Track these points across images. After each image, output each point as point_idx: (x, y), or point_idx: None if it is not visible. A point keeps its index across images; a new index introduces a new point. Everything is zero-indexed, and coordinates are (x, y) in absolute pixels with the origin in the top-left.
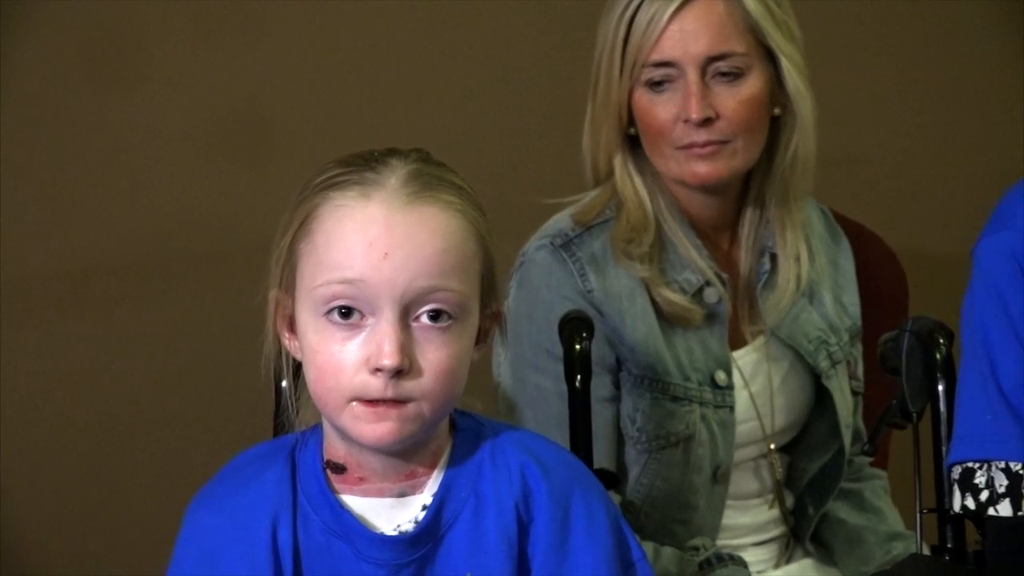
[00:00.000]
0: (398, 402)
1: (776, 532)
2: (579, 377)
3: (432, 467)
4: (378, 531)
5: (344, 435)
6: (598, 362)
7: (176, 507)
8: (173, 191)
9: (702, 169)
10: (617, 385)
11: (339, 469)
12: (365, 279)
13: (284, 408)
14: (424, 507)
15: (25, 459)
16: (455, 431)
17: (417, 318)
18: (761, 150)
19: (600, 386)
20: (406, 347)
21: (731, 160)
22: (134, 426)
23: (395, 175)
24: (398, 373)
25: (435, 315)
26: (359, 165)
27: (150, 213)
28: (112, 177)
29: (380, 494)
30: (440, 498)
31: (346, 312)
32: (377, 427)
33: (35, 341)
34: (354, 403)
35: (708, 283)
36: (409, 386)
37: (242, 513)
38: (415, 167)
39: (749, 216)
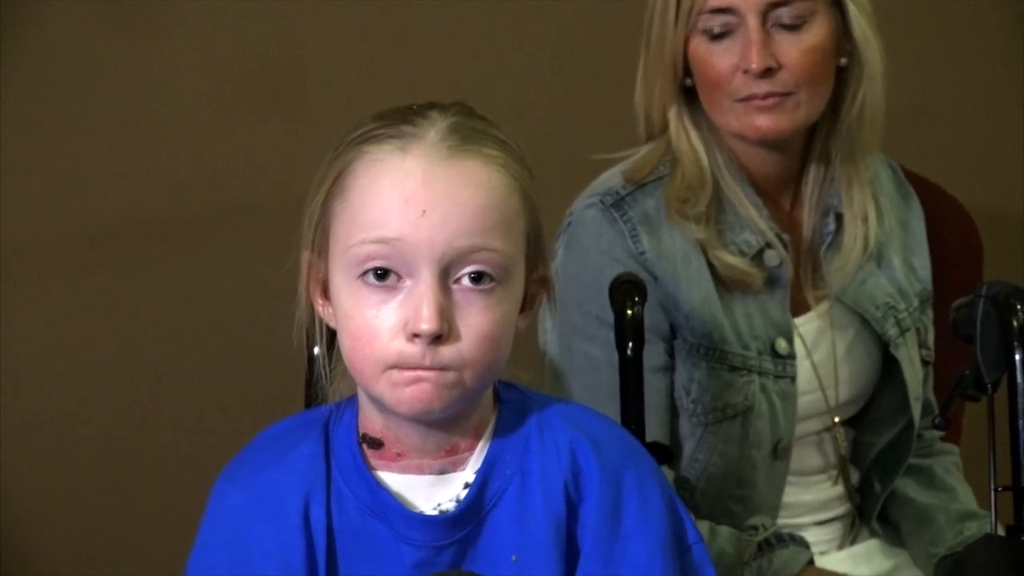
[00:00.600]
0: (437, 369)
1: (840, 511)
2: (631, 345)
3: (475, 442)
4: (417, 510)
5: (381, 406)
6: (651, 329)
7: (201, 489)
8: (197, 145)
9: (763, 122)
10: (671, 354)
11: (376, 444)
12: (402, 238)
13: (317, 379)
14: (466, 485)
15: (29, 441)
16: (499, 404)
17: (457, 280)
18: (826, 102)
19: (653, 354)
20: (445, 311)
21: (794, 113)
22: (153, 400)
23: (434, 128)
24: (437, 339)
25: (477, 277)
26: (397, 119)
27: (172, 169)
28: (131, 131)
29: (419, 471)
30: (483, 475)
31: (382, 274)
32: (415, 392)
33: (43, 310)
34: (391, 370)
35: (768, 245)
36: (448, 353)
37: (272, 490)
38: (456, 120)
39: (813, 173)
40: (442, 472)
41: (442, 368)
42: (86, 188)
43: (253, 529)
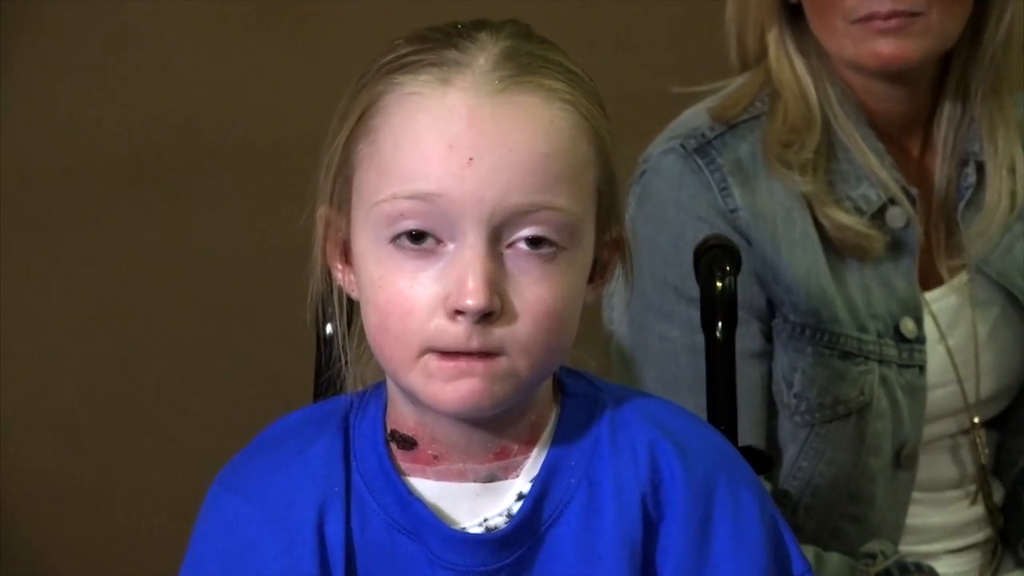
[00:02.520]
0: (485, 355)
1: (980, 536)
2: (720, 325)
3: (531, 443)
4: (458, 527)
5: (414, 398)
6: (743, 305)
7: (192, 478)
8: (198, 74)
9: (886, 49)
10: (769, 336)
11: (407, 443)
12: (443, 192)
13: (334, 362)
14: (520, 496)
15: (21, 400)
16: (563, 396)
17: (511, 244)
18: (963, 25)
19: (746, 337)
20: (496, 282)
21: (923, 38)
22: (146, 370)
23: (484, 54)
24: (485, 317)
25: (535, 241)
26: (437, 41)
27: (170, 102)
28: (124, 58)
29: (462, 477)
30: (542, 484)
31: (418, 236)
32: (457, 387)
33: (26, 255)
34: (427, 356)
35: (892, 201)
36: (500, 334)
37: (279, 500)
38: (510, 44)
39: (947, 112)
40: (490, 479)
41: (491, 353)
42: (76, 124)
43: (256, 547)
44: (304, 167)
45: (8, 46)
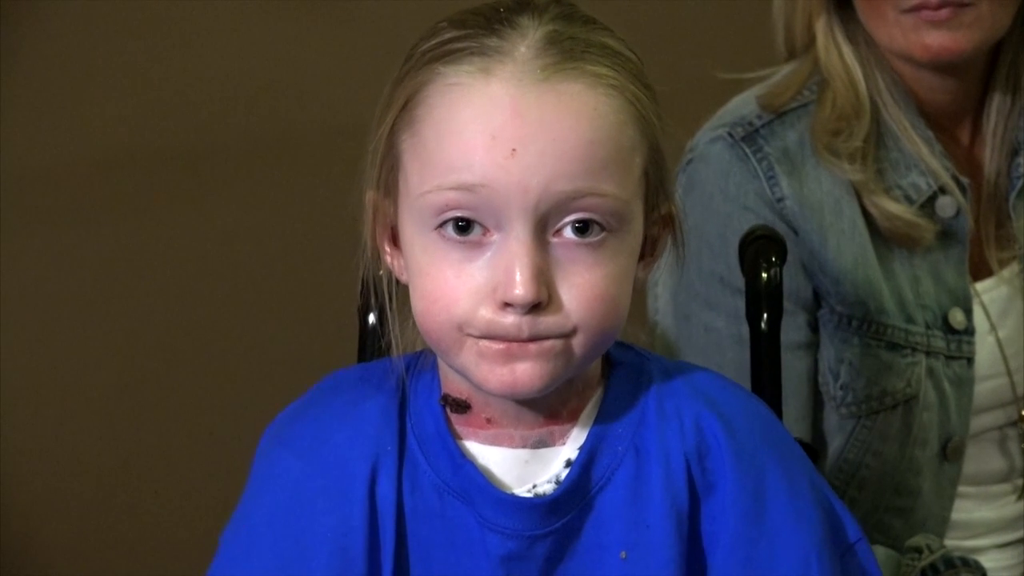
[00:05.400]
0: (537, 338)
1: None
2: (765, 316)
3: (579, 410)
4: (508, 491)
5: (464, 376)
6: (789, 296)
7: (196, 477)
8: (229, 56)
9: (936, 40)
10: (815, 328)
11: (461, 407)
12: (488, 183)
13: (377, 343)
14: (568, 462)
15: (26, 399)
16: (611, 366)
17: (559, 232)
18: (1014, 15)
19: (792, 328)
20: (544, 271)
21: (974, 29)
22: (166, 362)
23: (526, 41)
24: (535, 307)
25: (582, 227)
26: (479, 27)
27: (198, 85)
28: (149, 39)
29: (511, 442)
30: (589, 451)
31: (464, 226)
32: (511, 371)
33: (39, 249)
34: (477, 339)
35: (943, 190)
36: (550, 322)
37: (332, 457)
38: (553, 29)
39: (998, 102)
40: (539, 445)
41: (544, 338)
42: (93, 110)
43: (306, 503)
44: (346, 151)
45: (10, 39)
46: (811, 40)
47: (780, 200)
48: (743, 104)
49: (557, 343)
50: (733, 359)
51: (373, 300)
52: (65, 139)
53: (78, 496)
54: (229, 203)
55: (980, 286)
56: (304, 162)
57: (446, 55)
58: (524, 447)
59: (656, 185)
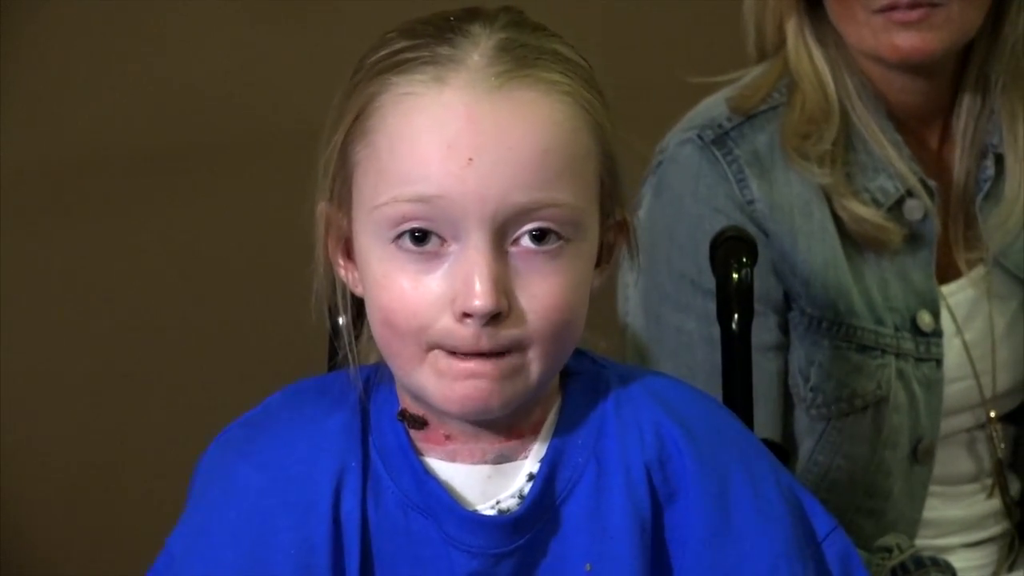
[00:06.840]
0: (496, 354)
1: (995, 530)
2: (736, 317)
3: (539, 424)
4: (472, 507)
5: (421, 397)
6: (760, 298)
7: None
8: (198, 61)
9: (906, 40)
10: (785, 329)
11: (417, 423)
12: (445, 194)
13: (344, 352)
14: (530, 476)
15: (21, 396)
16: (567, 376)
17: (516, 241)
18: (984, 15)
19: (762, 330)
20: (502, 281)
21: (944, 30)
22: (150, 363)
23: (478, 49)
24: (494, 317)
25: (539, 235)
26: (430, 36)
27: (169, 89)
28: (122, 44)
29: (472, 458)
30: (551, 463)
31: (421, 237)
32: (466, 387)
33: (29, 248)
34: (436, 351)
35: (910, 193)
36: (509, 333)
37: (295, 472)
38: (505, 37)
39: (967, 104)
40: (500, 460)
41: (502, 352)
42: (68, 113)
43: (269, 518)
44: (305, 158)
45: (10, 36)
46: (782, 41)
47: (750, 202)
48: (713, 106)
49: (516, 359)
50: (704, 361)
51: (339, 304)
52: (53, 138)
53: (77, 496)
54: (223, 201)
55: (948, 288)
56: (304, 162)
57: (398, 65)
58: (485, 463)
59: (610, 191)
